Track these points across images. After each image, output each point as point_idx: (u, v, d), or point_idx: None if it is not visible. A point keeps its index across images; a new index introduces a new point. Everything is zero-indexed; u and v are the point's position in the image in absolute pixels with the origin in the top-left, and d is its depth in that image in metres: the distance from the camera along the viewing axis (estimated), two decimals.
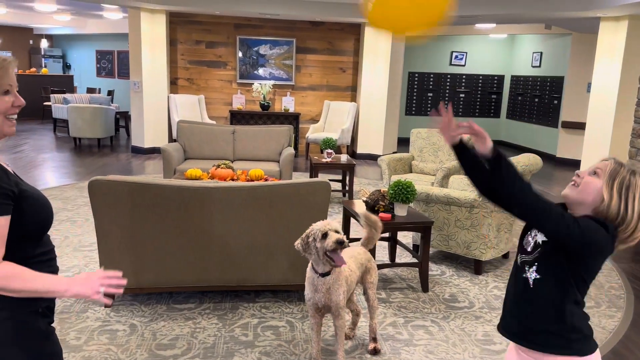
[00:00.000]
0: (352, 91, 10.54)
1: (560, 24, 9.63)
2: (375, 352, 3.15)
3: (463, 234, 4.41)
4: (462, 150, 1.76)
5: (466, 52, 13.15)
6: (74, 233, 5.16)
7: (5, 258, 1.43)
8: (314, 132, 9.78)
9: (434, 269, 4.56)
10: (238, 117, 9.94)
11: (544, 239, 1.67)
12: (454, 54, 13.16)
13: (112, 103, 12.70)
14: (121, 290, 1.53)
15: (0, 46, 15.74)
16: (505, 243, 4.63)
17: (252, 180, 5.01)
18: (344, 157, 6.76)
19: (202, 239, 3.52)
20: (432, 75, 13.24)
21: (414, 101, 13.35)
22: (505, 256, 4.90)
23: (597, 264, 1.64)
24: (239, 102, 10.18)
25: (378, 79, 9.99)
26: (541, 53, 11.97)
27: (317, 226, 2.62)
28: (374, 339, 3.17)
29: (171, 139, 9.75)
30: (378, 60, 9.95)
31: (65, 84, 15.16)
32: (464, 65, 13.23)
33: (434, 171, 6.48)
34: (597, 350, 1.69)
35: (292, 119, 10.03)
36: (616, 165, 1.65)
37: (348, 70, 10.46)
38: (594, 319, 3.73)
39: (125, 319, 3.46)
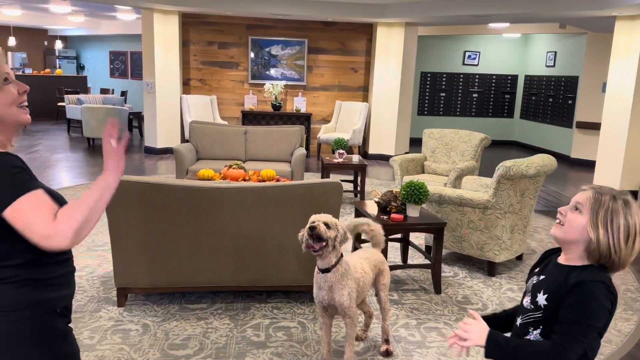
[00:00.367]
0: (363, 91, 10.51)
1: (575, 23, 9.52)
2: (388, 354, 3.13)
3: (476, 235, 4.37)
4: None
5: (479, 52, 13.06)
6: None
7: (24, 255, 1.45)
8: (325, 133, 9.77)
9: (446, 270, 4.53)
10: (250, 118, 9.96)
11: (545, 302, 1.60)
12: (467, 54, 13.08)
13: (125, 104, 12.80)
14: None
15: (15, 47, 15.92)
16: (519, 245, 4.58)
17: (263, 181, 5.01)
18: (355, 158, 6.74)
19: (214, 239, 3.53)
20: (444, 75, 13.17)
21: (426, 101, 13.29)
22: (519, 258, 4.85)
23: (610, 321, 1.57)
24: (250, 102, 10.20)
25: (390, 79, 9.96)
26: (555, 53, 11.85)
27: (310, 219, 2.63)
28: (387, 341, 3.16)
29: (183, 140, 9.79)
30: (390, 60, 9.91)
31: (79, 85, 15.30)
32: (477, 65, 13.14)
33: (446, 172, 6.44)
34: None
35: (303, 119, 10.03)
36: (596, 195, 1.57)
37: (360, 70, 10.44)
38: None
39: (138, 318, 3.48)
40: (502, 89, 13.35)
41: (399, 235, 4.52)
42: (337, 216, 3.57)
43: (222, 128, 7.04)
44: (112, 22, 14.96)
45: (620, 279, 4.53)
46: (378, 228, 3.13)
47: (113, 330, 3.32)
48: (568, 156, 10.91)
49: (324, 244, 2.60)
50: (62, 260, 1.57)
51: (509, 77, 13.28)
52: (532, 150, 12.36)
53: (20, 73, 15.41)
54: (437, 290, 4.05)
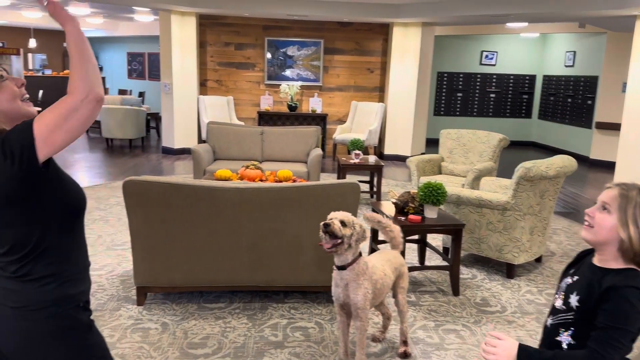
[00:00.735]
0: (379, 92, 10.48)
1: (595, 23, 9.39)
2: (406, 355, 3.11)
3: (495, 237, 4.33)
4: None
5: (497, 52, 12.95)
6: (107, 232, 5.26)
7: (47, 251, 1.49)
8: (341, 133, 9.76)
9: (464, 272, 4.50)
10: (266, 118, 9.99)
11: (577, 304, 1.57)
12: (484, 54, 12.97)
13: (143, 104, 12.92)
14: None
15: (36, 49, 16.17)
16: (539, 246, 4.53)
17: (280, 181, 5.03)
18: (372, 158, 6.73)
19: (232, 239, 3.55)
20: (461, 75, 13.08)
21: (443, 101, 13.21)
22: (538, 260, 4.80)
23: None
24: (267, 103, 10.23)
25: (406, 79, 9.92)
26: (574, 52, 11.70)
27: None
28: (405, 342, 3.14)
29: (200, 140, 9.86)
30: (406, 60, 9.87)
31: None
32: (494, 65, 13.03)
33: (464, 173, 6.39)
34: None
35: (319, 119, 10.03)
36: (622, 192, 1.52)
37: (376, 70, 10.41)
38: None
39: (157, 317, 3.51)
40: (520, 89, 13.21)
41: (416, 237, 4.50)
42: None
43: (239, 129, 7.07)
44: (130, 24, 15.12)
45: None
46: (397, 230, 3.11)
47: (133, 328, 3.35)
48: (587, 157, 10.77)
49: (339, 241, 2.59)
50: (83, 252, 1.62)
51: (527, 77, 13.15)
52: (550, 151, 12.23)
53: (40, 74, 15.65)
54: (455, 292, 4.02)
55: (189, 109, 9.77)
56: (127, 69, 16.72)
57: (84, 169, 8.44)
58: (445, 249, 4.66)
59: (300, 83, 10.09)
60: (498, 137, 6.35)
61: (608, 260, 1.57)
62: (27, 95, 1.55)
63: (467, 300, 3.96)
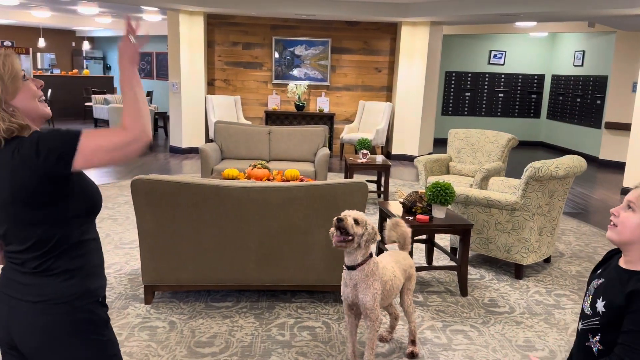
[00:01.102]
0: (387, 91, 10.46)
1: (605, 22, 9.32)
2: (413, 355, 3.10)
3: (503, 237, 4.31)
4: None
5: (505, 51, 12.89)
6: (115, 230, 5.28)
7: (69, 247, 1.52)
8: (348, 133, 9.75)
9: (472, 272, 4.48)
10: (273, 118, 10.00)
11: (604, 309, 1.54)
12: (493, 53, 12.91)
13: (151, 104, 12.97)
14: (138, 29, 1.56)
15: (45, 48, 16.27)
16: (547, 247, 4.50)
17: (287, 181, 5.02)
18: (379, 158, 6.71)
19: (239, 238, 3.55)
20: (469, 75, 13.02)
21: (451, 101, 13.16)
22: (547, 261, 4.77)
23: None
24: (274, 102, 10.24)
25: (414, 79, 9.89)
26: (584, 52, 11.62)
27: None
28: (413, 342, 3.13)
29: (208, 139, 9.89)
30: (414, 60, 9.84)
31: (106, 85, 15.57)
32: (502, 65, 12.97)
33: (472, 172, 6.36)
34: None
35: (326, 119, 10.03)
36: None
37: (383, 70, 10.39)
38: None
39: (165, 316, 3.52)
40: (529, 88, 13.14)
41: (423, 237, 4.49)
42: None
43: (246, 128, 7.08)
44: (139, 23, 15.15)
45: None
46: (408, 230, 3.11)
47: (140, 327, 3.36)
48: (596, 157, 10.69)
49: (349, 237, 2.59)
50: (99, 247, 1.65)
51: (536, 77, 13.07)
52: (559, 151, 12.15)
53: (48, 73, 15.74)
54: (463, 292, 4.01)
55: (197, 108, 9.79)
56: None
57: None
58: (453, 249, 4.64)
59: (307, 82, 10.09)
60: (507, 137, 6.31)
61: (634, 262, 1.54)
62: (44, 97, 1.60)
63: (475, 300, 3.94)
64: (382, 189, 6.67)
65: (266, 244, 3.57)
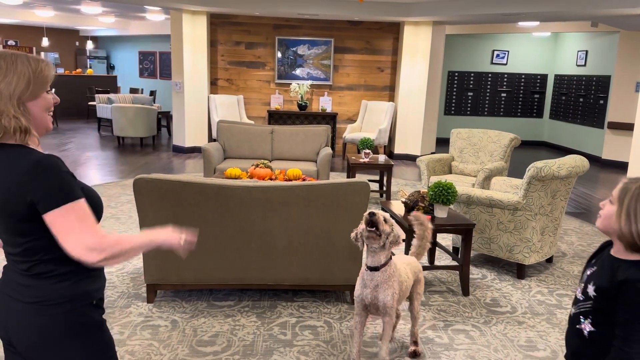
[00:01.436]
0: (390, 91, 10.46)
1: (608, 22, 9.30)
2: (415, 355, 3.11)
3: (506, 237, 4.30)
4: None
5: (508, 51, 12.87)
6: (117, 229, 5.30)
7: (61, 250, 1.49)
8: (351, 132, 9.75)
9: (474, 272, 4.48)
10: (276, 117, 10.01)
11: (595, 293, 1.65)
12: (496, 53, 12.89)
13: (154, 103, 13.00)
14: (193, 247, 1.67)
15: (48, 47, 16.31)
16: (550, 247, 4.49)
17: (290, 180, 5.03)
18: (381, 158, 6.71)
19: (241, 238, 3.56)
20: (472, 74, 13.01)
21: (454, 101, 13.15)
22: (549, 260, 4.77)
23: None
24: (277, 102, 10.25)
25: (417, 78, 9.88)
26: (586, 52, 11.60)
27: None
28: (415, 342, 3.14)
29: (211, 139, 9.90)
30: (417, 59, 9.84)
31: (109, 84, 15.60)
32: (505, 64, 12.95)
33: (474, 172, 6.36)
34: None
35: (329, 119, 10.03)
36: (624, 185, 1.61)
37: (386, 69, 10.39)
38: None
39: (167, 314, 3.53)
40: (532, 88, 13.12)
41: None
42: (362, 216, 3.56)
43: (249, 127, 7.09)
44: (142, 23, 15.20)
45: None
46: (430, 227, 3.15)
47: (143, 325, 3.38)
48: (599, 157, 10.67)
49: (378, 233, 2.61)
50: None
51: (539, 77, 13.05)
52: (561, 151, 12.13)
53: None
54: (465, 292, 4.01)
55: (200, 107, 9.81)
56: (139, 67, 16.82)
57: (95, 167, 8.50)
58: (455, 249, 4.65)
59: (310, 82, 10.09)
60: (509, 137, 6.31)
61: (620, 251, 1.64)
62: (52, 112, 1.61)
63: (477, 300, 3.94)
64: (385, 188, 6.67)
65: (268, 243, 3.58)
